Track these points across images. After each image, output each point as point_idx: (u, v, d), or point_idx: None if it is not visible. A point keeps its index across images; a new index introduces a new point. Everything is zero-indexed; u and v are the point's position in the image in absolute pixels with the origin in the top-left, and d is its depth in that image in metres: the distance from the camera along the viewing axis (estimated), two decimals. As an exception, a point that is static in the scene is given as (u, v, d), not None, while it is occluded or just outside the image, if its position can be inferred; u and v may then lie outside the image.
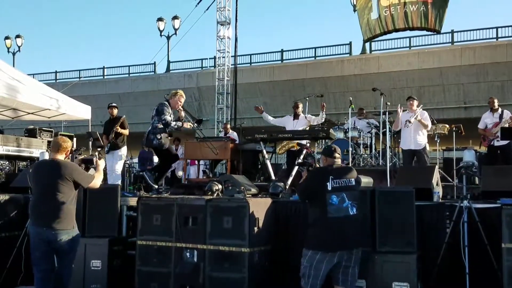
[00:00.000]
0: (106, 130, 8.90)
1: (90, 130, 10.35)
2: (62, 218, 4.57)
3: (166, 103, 6.91)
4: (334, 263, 4.32)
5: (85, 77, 24.25)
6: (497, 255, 4.88)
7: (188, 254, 5.46)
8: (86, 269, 5.83)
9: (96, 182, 4.84)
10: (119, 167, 8.83)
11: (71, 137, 9.65)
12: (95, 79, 24.26)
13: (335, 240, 4.31)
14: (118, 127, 8.68)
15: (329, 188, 4.36)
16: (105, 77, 24.30)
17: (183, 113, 7.04)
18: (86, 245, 5.87)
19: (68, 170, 4.61)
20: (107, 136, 8.74)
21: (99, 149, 9.66)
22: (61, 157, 4.76)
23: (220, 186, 6.39)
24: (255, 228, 5.36)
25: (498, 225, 4.88)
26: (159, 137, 6.82)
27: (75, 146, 9.47)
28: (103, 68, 24.54)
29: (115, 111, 8.99)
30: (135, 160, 14.72)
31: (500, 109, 8.85)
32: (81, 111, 10.29)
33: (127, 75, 23.63)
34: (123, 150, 8.90)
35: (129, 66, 23.88)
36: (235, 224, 5.32)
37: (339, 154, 4.64)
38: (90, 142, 9.45)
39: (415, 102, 8.60)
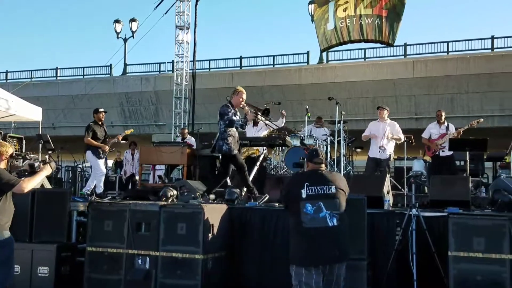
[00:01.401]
0: (95, 135, 8.44)
1: (40, 132, 10.04)
2: None
3: (228, 103, 6.77)
4: (322, 276, 3.92)
5: (37, 77, 23.49)
6: (444, 263, 5.05)
7: (140, 261, 5.38)
8: (33, 275, 5.64)
9: (23, 186, 4.47)
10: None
11: (20, 139, 9.33)
12: (47, 80, 23.54)
13: (313, 254, 3.93)
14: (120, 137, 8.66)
15: (303, 195, 3.99)
16: (58, 78, 23.63)
17: (247, 109, 6.80)
18: (33, 251, 5.69)
19: None
20: (97, 139, 8.38)
21: (49, 152, 9.37)
22: None
23: (175, 192, 6.34)
24: (210, 235, 5.35)
25: (445, 233, 5.05)
26: (228, 141, 6.63)
27: (24, 149, 9.11)
28: (56, 69, 23.87)
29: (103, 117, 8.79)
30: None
31: (446, 123, 9.20)
32: (32, 113, 9.96)
33: (82, 77, 23.06)
34: None
35: (83, 67, 23.35)
36: (189, 230, 5.29)
37: (321, 158, 4.22)
38: (40, 145, 9.16)
39: (385, 112, 8.83)
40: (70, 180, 14.02)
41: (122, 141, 8.92)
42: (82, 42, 61.02)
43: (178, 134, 14.47)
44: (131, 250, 5.42)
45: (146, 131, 21.15)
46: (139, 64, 22.49)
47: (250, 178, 7.65)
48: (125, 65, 22.15)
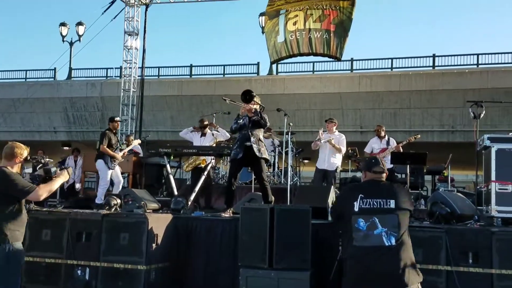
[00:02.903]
0: (110, 143, 8.40)
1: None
2: None
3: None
4: None
5: (-25, 79, 22.38)
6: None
7: (79, 271, 5.21)
8: (-38, 288, 5.32)
9: (39, 193, 4.12)
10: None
11: None
12: (-14, 81, 22.48)
13: (363, 278, 3.38)
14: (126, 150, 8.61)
15: (356, 209, 3.47)
16: (-1, 80, 22.61)
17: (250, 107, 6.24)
18: (-36, 262, 5.35)
19: (2, 181, 4.07)
20: (111, 147, 8.34)
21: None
22: (9, 164, 4.19)
23: (118, 201, 6.19)
24: (153, 245, 5.26)
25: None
26: (234, 147, 6.47)
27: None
28: (-4, 71, 22.83)
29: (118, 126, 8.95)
30: (28, 170, 13.74)
31: (387, 137, 9.55)
32: (-32, 115, 9.46)
33: (24, 80, 22.17)
34: None
35: (26, 70, 22.44)
36: (132, 240, 5.18)
37: (382, 167, 3.66)
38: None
39: (333, 125, 8.99)
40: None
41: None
42: (25, 44, 58.75)
43: (124, 141, 14.17)
44: (70, 260, 5.25)
45: (91, 137, 20.58)
46: (85, 69, 21.91)
47: (197, 188, 7.60)
48: (70, 69, 21.50)
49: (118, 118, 8.95)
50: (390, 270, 3.33)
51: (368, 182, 3.66)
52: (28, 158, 4.46)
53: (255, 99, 6.37)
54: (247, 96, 6.29)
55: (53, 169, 4.41)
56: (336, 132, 9.06)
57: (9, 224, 4.09)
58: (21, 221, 4.20)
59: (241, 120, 6.38)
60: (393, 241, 3.37)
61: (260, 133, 6.53)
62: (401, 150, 9.17)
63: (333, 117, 9.77)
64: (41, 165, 5.05)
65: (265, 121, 6.39)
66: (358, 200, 3.48)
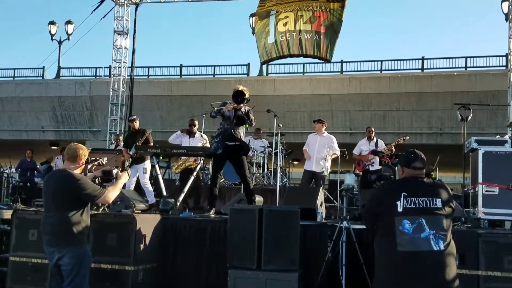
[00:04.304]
0: (126, 144, 8.62)
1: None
2: (62, 234, 4.04)
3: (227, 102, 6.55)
4: None
5: (-38, 77, 22.13)
6: (372, 274, 5.20)
7: (66, 272, 5.15)
8: None
9: (109, 196, 4.13)
10: (147, 181, 8.58)
11: None
12: (-26, 80, 22.25)
13: (406, 286, 3.04)
14: (139, 141, 8.37)
15: (399, 209, 3.08)
16: (-14, 79, 22.39)
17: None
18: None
19: (72, 185, 3.99)
20: (127, 150, 8.44)
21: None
22: (72, 166, 4.13)
23: (106, 201, 6.12)
24: (141, 245, 5.24)
25: (373, 246, 5.21)
26: (216, 140, 6.50)
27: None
28: (-16, 69, 22.59)
29: (137, 124, 8.83)
30: (15, 169, 13.64)
31: (375, 139, 9.58)
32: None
33: (12, 79, 21.97)
34: (147, 163, 8.57)
35: (14, 69, 22.28)
36: (120, 241, 5.17)
37: (422, 163, 3.30)
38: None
39: (321, 125, 8.99)
40: (-6, 186, 13.23)
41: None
42: (13, 43, 58.13)
43: (113, 141, 14.07)
44: (57, 261, 5.18)
45: (80, 137, 20.46)
46: (74, 68, 21.78)
47: (186, 188, 7.57)
48: (59, 68, 21.34)
49: (133, 117, 8.95)
50: (439, 278, 3.02)
51: (409, 179, 3.26)
52: (89, 160, 4.39)
53: (246, 95, 6.47)
54: (239, 99, 6.42)
55: (114, 171, 4.31)
56: (325, 133, 9.08)
57: (78, 227, 4.05)
58: (86, 224, 4.17)
59: (226, 112, 6.50)
60: (441, 245, 3.05)
61: (242, 130, 6.63)
62: (394, 150, 9.19)
63: (323, 118, 9.78)
64: (95, 165, 4.85)
65: (251, 121, 6.50)
66: (402, 199, 3.09)
